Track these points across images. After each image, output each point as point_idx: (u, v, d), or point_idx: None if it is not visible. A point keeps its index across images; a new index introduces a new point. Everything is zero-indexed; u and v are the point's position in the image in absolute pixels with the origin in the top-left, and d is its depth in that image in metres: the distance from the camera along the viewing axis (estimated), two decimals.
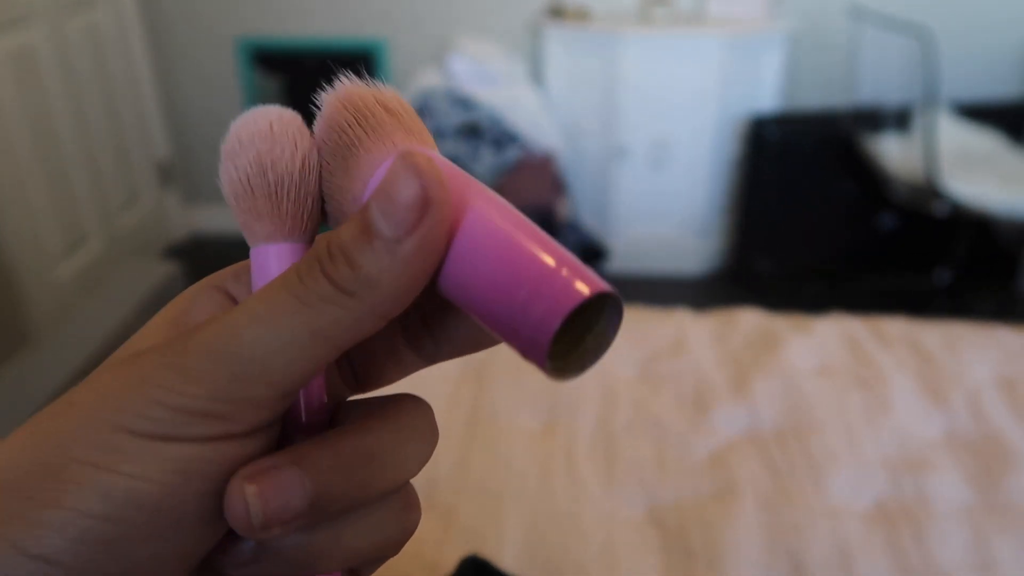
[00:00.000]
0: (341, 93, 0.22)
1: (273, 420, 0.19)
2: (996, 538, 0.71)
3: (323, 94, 0.22)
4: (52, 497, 0.17)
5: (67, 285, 2.00)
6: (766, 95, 2.33)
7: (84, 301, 2.05)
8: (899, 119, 2.11)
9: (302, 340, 0.18)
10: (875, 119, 2.16)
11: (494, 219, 0.20)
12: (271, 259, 0.21)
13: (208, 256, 2.60)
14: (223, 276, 0.23)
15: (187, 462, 0.18)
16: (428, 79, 2.32)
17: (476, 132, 2.30)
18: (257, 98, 2.52)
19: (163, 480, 0.18)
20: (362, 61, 2.46)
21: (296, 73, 2.48)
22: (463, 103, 2.27)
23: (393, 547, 0.22)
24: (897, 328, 1.01)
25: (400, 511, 0.22)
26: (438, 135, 2.30)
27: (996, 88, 2.39)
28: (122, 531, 0.17)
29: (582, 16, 2.31)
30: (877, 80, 2.13)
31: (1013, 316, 2.07)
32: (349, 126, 0.21)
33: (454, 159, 1.90)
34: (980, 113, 2.26)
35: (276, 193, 0.21)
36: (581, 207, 2.49)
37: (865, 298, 2.29)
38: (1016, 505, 0.75)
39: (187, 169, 2.65)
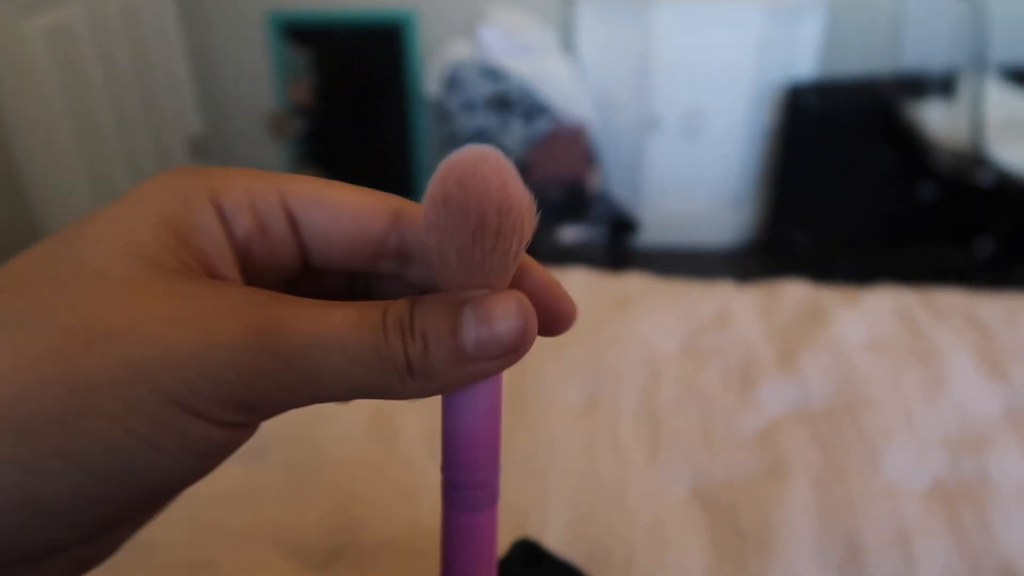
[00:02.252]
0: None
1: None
2: None
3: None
4: (62, 446, 0.17)
5: None
6: (804, 62, 2.27)
7: None
8: (944, 85, 2.04)
9: (353, 385, 0.19)
10: (918, 85, 2.09)
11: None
12: None
13: None
14: (216, 188, 0.21)
15: (202, 442, 0.18)
16: (458, 50, 2.29)
17: (506, 103, 2.26)
18: (288, 71, 2.50)
19: (175, 455, 0.18)
20: (392, 33, 2.43)
21: (326, 46, 2.46)
22: (493, 74, 2.24)
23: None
24: (952, 300, 0.98)
25: None
26: (468, 107, 2.27)
27: None
28: (105, 494, 0.17)
29: None
30: (922, 44, 2.05)
31: None
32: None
33: (484, 131, 1.87)
34: None
35: (512, 256, 0.21)
36: (612, 179, 2.45)
37: (904, 270, 2.23)
38: None
39: (219, 143, 2.66)
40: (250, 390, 0.18)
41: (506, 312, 0.20)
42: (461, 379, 0.20)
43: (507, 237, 0.20)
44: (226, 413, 0.18)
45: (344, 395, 0.20)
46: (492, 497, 0.23)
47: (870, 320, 0.96)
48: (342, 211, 0.22)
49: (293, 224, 0.22)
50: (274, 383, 0.18)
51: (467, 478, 0.23)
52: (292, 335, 0.18)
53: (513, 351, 0.20)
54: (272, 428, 0.82)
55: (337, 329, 0.19)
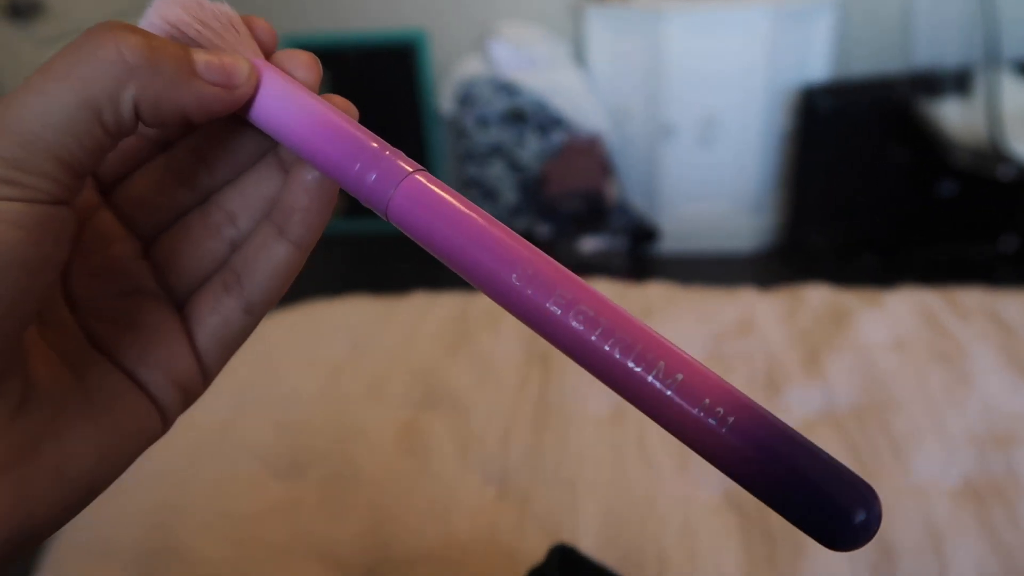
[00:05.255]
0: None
1: (75, 193, 0.21)
2: None
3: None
4: None
5: None
6: (816, 64, 2.27)
7: None
8: (959, 82, 2.03)
9: (78, 112, 0.20)
10: (933, 83, 2.09)
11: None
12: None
13: None
14: None
15: (4, 213, 0.19)
16: (471, 67, 2.32)
17: (521, 118, 2.28)
18: None
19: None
20: (404, 52, 2.47)
21: (340, 68, 2.49)
22: (507, 89, 2.26)
23: None
24: (974, 299, 0.98)
25: None
26: (483, 122, 2.29)
27: None
28: None
29: None
30: (934, 42, 2.05)
31: None
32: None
33: (500, 146, 1.92)
34: None
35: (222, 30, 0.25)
36: (630, 188, 2.46)
37: (927, 269, 2.22)
38: None
39: None
40: None
41: (237, 61, 0.23)
42: (188, 94, 0.22)
43: (211, 22, 0.24)
44: None
45: (87, 137, 0.20)
46: (406, 162, 0.24)
47: (893, 321, 0.96)
48: None
49: None
50: (6, 153, 0.19)
51: (368, 161, 0.24)
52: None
53: (233, 86, 0.23)
54: (308, 445, 0.83)
55: (33, 82, 0.20)
